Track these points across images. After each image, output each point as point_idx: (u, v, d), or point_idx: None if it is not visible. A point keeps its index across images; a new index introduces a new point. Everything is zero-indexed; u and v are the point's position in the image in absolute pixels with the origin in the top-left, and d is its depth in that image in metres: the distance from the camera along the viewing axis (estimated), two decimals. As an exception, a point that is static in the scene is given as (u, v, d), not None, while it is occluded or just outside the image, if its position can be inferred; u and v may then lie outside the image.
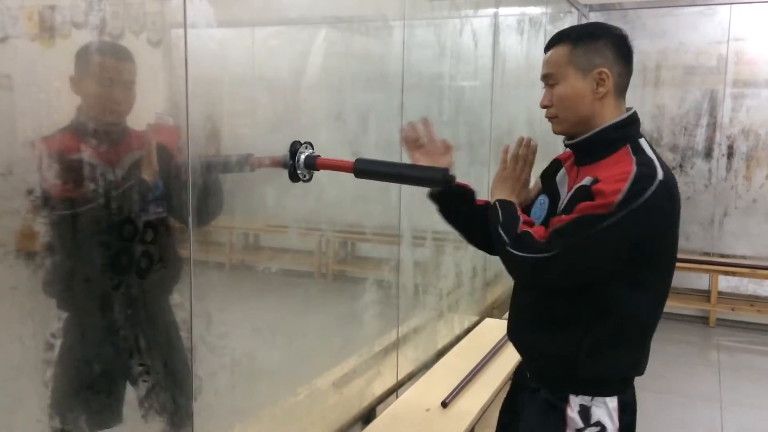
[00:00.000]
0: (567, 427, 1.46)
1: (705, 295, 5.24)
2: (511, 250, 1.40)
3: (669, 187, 1.34)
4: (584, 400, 1.45)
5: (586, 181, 1.41)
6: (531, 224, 1.47)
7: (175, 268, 1.45)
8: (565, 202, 1.48)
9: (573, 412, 1.46)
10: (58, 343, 1.22)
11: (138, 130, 1.36)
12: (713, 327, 5.13)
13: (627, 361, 1.47)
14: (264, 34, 1.77)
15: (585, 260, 1.36)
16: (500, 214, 1.48)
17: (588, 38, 1.43)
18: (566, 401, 1.47)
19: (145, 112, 1.38)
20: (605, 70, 1.41)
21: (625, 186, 1.30)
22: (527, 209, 1.59)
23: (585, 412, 1.45)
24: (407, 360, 2.67)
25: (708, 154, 5.23)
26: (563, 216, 1.39)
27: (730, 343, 4.85)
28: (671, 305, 5.09)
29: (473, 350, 2.96)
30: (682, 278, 5.21)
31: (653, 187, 1.30)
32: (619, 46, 1.43)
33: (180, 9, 1.39)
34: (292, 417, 1.93)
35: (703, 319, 5.21)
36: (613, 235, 1.31)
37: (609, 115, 1.44)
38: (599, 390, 1.46)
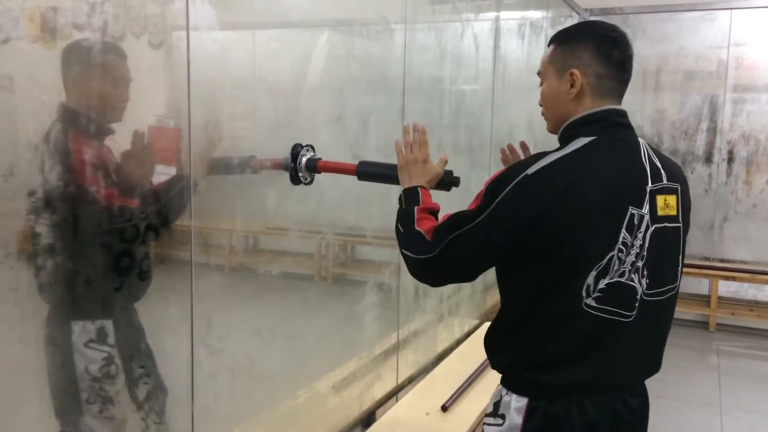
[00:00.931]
0: (485, 413, 1.51)
1: (705, 299, 5.24)
2: (402, 250, 1.45)
3: (535, 180, 1.29)
4: (502, 390, 1.47)
5: None
6: (434, 211, 1.49)
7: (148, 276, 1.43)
8: None
9: (492, 399, 1.49)
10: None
11: (138, 128, 1.36)
12: (713, 332, 5.13)
13: (528, 359, 1.40)
14: (265, 36, 1.77)
15: (461, 257, 1.37)
16: (402, 205, 1.52)
17: (567, 39, 1.44)
18: (498, 387, 1.50)
19: (146, 114, 1.38)
20: (575, 71, 1.39)
21: (493, 178, 1.34)
22: (440, 183, 1.63)
23: (498, 402, 1.47)
24: (407, 363, 2.66)
25: (708, 158, 5.24)
26: (446, 213, 1.42)
27: (730, 348, 4.84)
28: (671, 310, 5.11)
29: (473, 354, 2.96)
30: (682, 283, 5.19)
31: (514, 182, 1.30)
32: (602, 47, 1.40)
33: (182, 11, 1.39)
34: (292, 420, 1.93)
35: (703, 324, 5.21)
36: (482, 231, 1.33)
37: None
38: (509, 385, 1.46)
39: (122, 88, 1.31)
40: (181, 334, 1.48)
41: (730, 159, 5.18)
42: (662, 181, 1.40)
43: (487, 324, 3.55)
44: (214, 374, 1.58)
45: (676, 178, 1.43)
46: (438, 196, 1.60)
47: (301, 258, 2.05)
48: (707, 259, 5.24)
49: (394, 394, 2.53)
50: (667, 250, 1.42)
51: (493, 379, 2.72)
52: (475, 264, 1.41)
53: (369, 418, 2.34)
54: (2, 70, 1.09)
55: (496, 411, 1.46)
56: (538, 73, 1.50)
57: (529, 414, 1.40)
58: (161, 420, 1.44)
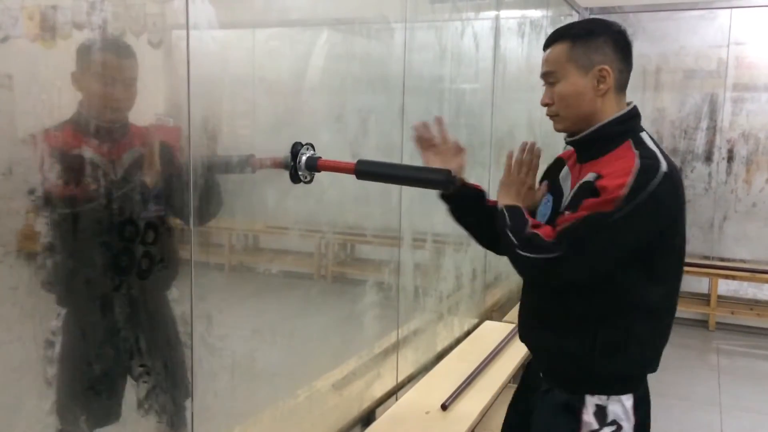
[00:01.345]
0: (581, 430, 1.46)
1: (705, 298, 5.24)
2: (521, 252, 1.41)
3: (673, 179, 1.34)
4: (600, 399, 1.45)
5: (590, 177, 1.41)
6: (538, 226, 1.46)
7: (175, 267, 1.45)
8: (569, 198, 1.48)
9: (588, 415, 1.45)
10: (58, 340, 1.21)
11: (139, 126, 1.36)
12: (713, 331, 5.13)
13: (643, 356, 1.47)
14: (265, 35, 1.77)
15: (594, 257, 1.36)
16: (507, 217, 1.48)
17: (587, 35, 1.43)
18: (582, 402, 1.46)
19: (145, 112, 1.38)
20: (606, 67, 1.41)
21: (629, 180, 1.30)
22: (534, 212, 1.58)
23: (601, 412, 1.45)
24: (407, 362, 2.66)
25: (708, 157, 5.24)
26: (569, 214, 1.39)
27: (730, 346, 4.84)
28: (671, 309, 5.11)
29: (473, 353, 2.96)
30: (681, 281, 5.20)
31: (657, 180, 1.30)
32: (618, 42, 1.43)
33: (182, 10, 1.39)
34: (292, 419, 1.93)
35: (703, 323, 5.21)
36: (621, 231, 1.32)
37: (610, 111, 1.44)
38: (615, 388, 1.45)
39: (132, 88, 1.33)
40: (181, 334, 1.48)
41: (730, 158, 5.18)
42: None
43: (489, 323, 3.54)
44: (214, 373, 1.58)
45: None
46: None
47: (300, 257, 2.05)
48: (707, 257, 5.24)
49: (394, 392, 2.53)
50: None
51: (492, 377, 2.72)
52: (602, 262, 1.38)
53: (369, 417, 2.34)
54: (1, 68, 1.08)
55: (604, 421, 1.45)
56: (547, 74, 1.48)
57: (636, 407, 1.46)
58: (161, 419, 1.44)
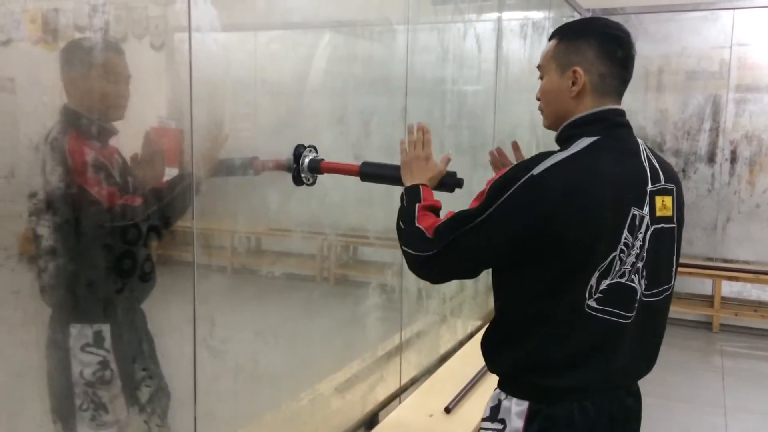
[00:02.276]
0: (482, 419, 1.49)
1: (708, 300, 5.22)
2: (405, 248, 1.42)
3: (541, 182, 1.27)
4: (501, 395, 1.45)
5: None
6: (435, 208, 1.48)
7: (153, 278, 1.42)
8: None
9: (489, 404, 1.47)
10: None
11: (134, 129, 1.35)
12: (716, 332, 5.11)
13: (530, 363, 1.38)
14: (268, 37, 1.76)
15: (463, 256, 1.36)
16: (402, 205, 1.51)
17: (573, 35, 1.42)
18: (494, 392, 1.49)
19: (147, 115, 1.38)
20: (578, 68, 1.37)
21: (497, 179, 1.32)
22: (443, 181, 1.61)
23: (497, 407, 1.45)
24: (410, 365, 2.66)
25: (711, 159, 5.23)
26: (450, 212, 1.40)
27: (734, 348, 4.83)
28: (674, 310, 5.08)
29: (476, 355, 2.93)
30: (684, 283, 5.20)
31: (519, 183, 1.28)
32: (605, 46, 1.38)
33: (184, 13, 1.39)
34: (295, 422, 1.92)
35: (707, 325, 5.19)
36: (484, 231, 1.31)
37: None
38: (510, 388, 1.44)
39: (122, 85, 1.30)
40: (184, 336, 1.48)
41: (733, 159, 5.16)
42: (660, 182, 1.40)
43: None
44: (217, 376, 1.58)
45: (672, 178, 1.44)
46: (440, 197, 1.59)
47: (303, 259, 2.05)
48: (710, 259, 5.23)
49: (397, 395, 2.52)
50: (663, 251, 1.42)
51: (496, 380, 2.71)
52: (476, 263, 1.39)
53: (372, 420, 2.33)
54: (4, 71, 1.08)
55: (494, 416, 1.45)
56: (539, 67, 1.48)
57: (531, 417, 1.39)
58: (163, 423, 1.43)
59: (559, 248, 1.31)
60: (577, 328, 1.35)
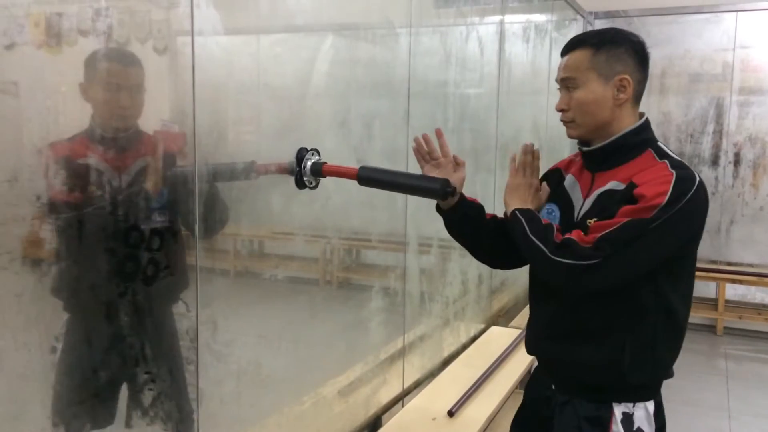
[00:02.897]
0: None
1: (712, 303, 5.21)
2: (554, 257, 1.37)
3: (704, 187, 1.38)
4: (627, 407, 1.46)
5: (613, 185, 1.43)
6: (559, 231, 1.45)
7: (182, 276, 1.45)
8: (588, 207, 1.47)
9: (616, 423, 1.45)
10: (59, 347, 1.21)
11: (148, 134, 1.37)
12: (720, 335, 5.10)
13: (667, 361, 1.49)
14: (270, 41, 1.77)
15: (633, 263, 1.36)
16: (524, 222, 1.46)
17: (610, 44, 1.44)
18: (610, 410, 1.46)
19: (151, 119, 1.38)
20: (627, 77, 1.42)
21: (669, 188, 1.33)
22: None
23: (628, 420, 1.46)
24: (413, 368, 2.65)
25: (714, 161, 5.22)
26: (603, 222, 1.38)
27: (738, 351, 4.81)
28: (678, 313, 5.09)
29: (479, 358, 2.95)
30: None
31: (694, 189, 1.34)
32: (639, 53, 1.45)
33: (186, 16, 1.39)
34: (298, 425, 1.92)
35: (711, 328, 5.18)
36: (660, 237, 1.34)
37: (626, 121, 1.46)
38: (640, 395, 1.47)
39: (140, 96, 1.34)
40: (187, 340, 1.48)
41: (737, 162, 5.15)
42: None
43: (496, 329, 3.52)
44: (220, 380, 1.58)
45: None
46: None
47: (306, 262, 2.05)
48: (714, 262, 5.22)
49: (400, 399, 2.52)
50: None
51: (499, 383, 2.71)
52: (645, 267, 1.39)
53: (375, 423, 2.33)
54: (7, 75, 1.09)
55: (630, 428, 1.46)
56: (565, 79, 1.47)
57: (656, 412, 1.49)
58: (167, 427, 1.43)
59: (695, 247, 1.47)
60: (687, 315, 1.50)
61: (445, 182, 1.54)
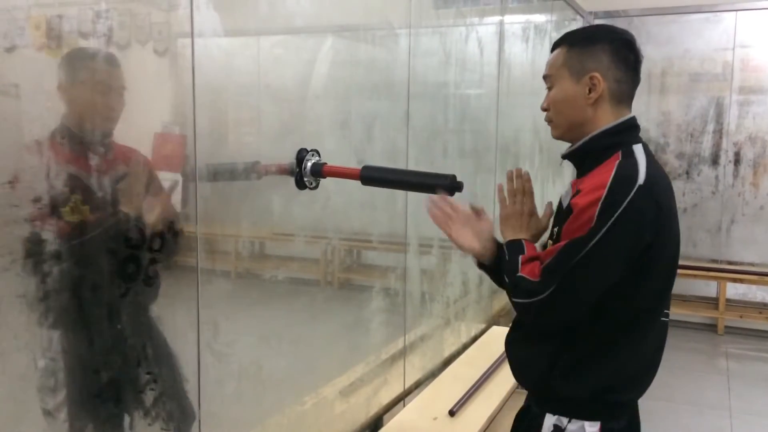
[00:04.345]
0: None
1: (713, 302, 5.21)
2: (513, 299, 1.34)
3: (652, 191, 1.25)
4: (560, 420, 1.37)
5: (569, 194, 1.36)
6: (537, 258, 1.36)
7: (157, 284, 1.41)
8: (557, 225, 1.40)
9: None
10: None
11: (122, 144, 1.31)
12: (721, 335, 5.09)
13: (613, 381, 1.35)
14: (270, 42, 1.77)
15: (584, 289, 1.27)
16: (506, 255, 1.40)
17: (585, 41, 1.38)
18: (541, 419, 1.40)
19: (152, 121, 1.39)
20: (597, 74, 1.34)
21: (603, 195, 1.22)
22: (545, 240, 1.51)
23: None
24: (414, 368, 2.66)
25: (714, 161, 5.22)
26: (552, 246, 1.32)
27: (739, 350, 4.81)
28: (679, 313, 5.10)
29: (480, 358, 2.95)
30: (689, 286, 5.18)
31: (633, 192, 1.22)
32: (619, 51, 1.36)
33: (187, 18, 1.40)
34: (299, 426, 1.92)
35: (711, 327, 5.17)
36: (604, 255, 1.23)
37: (603, 122, 1.37)
38: (578, 412, 1.37)
39: (115, 98, 1.28)
40: (188, 341, 1.48)
41: (737, 161, 5.15)
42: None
43: (497, 329, 3.52)
44: (221, 380, 1.58)
45: None
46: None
47: (307, 263, 2.05)
48: (715, 261, 5.22)
49: (401, 399, 2.52)
50: None
51: (500, 383, 2.71)
52: (594, 291, 1.28)
53: (376, 424, 2.33)
54: (8, 77, 1.09)
55: None
56: (545, 77, 1.44)
57: None
58: (168, 426, 1.44)
59: (656, 261, 1.28)
60: (654, 337, 1.37)
61: (453, 177, 1.54)
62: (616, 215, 1.21)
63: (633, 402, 1.42)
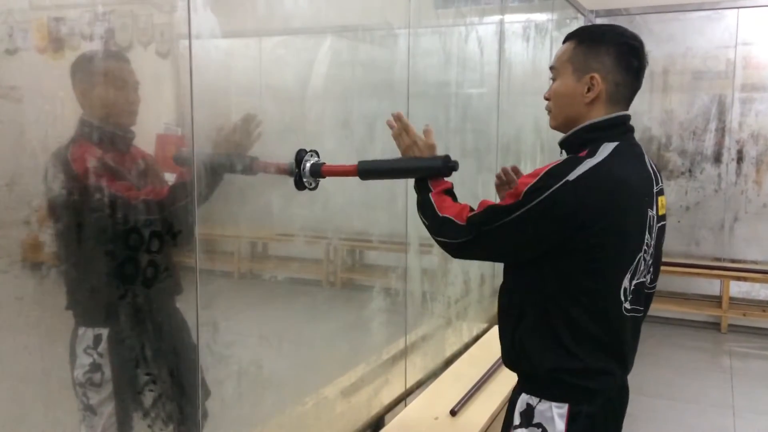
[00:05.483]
0: (510, 426, 1.48)
1: (716, 300, 5.19)
2: (435, 237, 1.48)
3: (577, 189, 1.29)
4: (531, 399, 1.44)
5: None
6: (449, 190, 1.52)
7: (177, 277, 1.46)
8: None
9: (517, 412, 1.46)
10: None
11: (140, 134, 1.38)
12: (725, 333, 5.08)
13: (569, 364, 1.39)
14: (270, 43, 1.77)
15: (497, 247, 1.42)
16: (417, 199, 1.55)
17: (592, 41, 1.42)
18: (517, 397, 1.48)
19: (153, 122, 1.39)
20: (597, 76, 1.39)
21: (533, 181, 1.32)
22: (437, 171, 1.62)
23: (528, 412, 1.44)
24: (415, 368, 2.66)
25: (717, 158, 5.20)
26: (484, 200, 1.44)
27: (743, 349, 4.80)
28: (682, 311, 5.10)
29: (482, 358, 2.95)
30: (692, 284, 5.18)
31: (558, 185, 1.29)
32: (623, 56, 1.39)
33: (184, 20, 1.40)
34: (300, 426, 1.93)
35: (715, 325, 5.16)
36: (518, 226, 1.34)
37: (593, 119, 1.42)
38: (546, 392, 1.42)
39: (131, 92, 1.34)
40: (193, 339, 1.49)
41: (740, 159, 5.14)
42: (660, 182, 1.48)
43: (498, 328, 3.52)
44: (221, 381, 1.58)
45: (661, 179, 1.52)
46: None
47: (308, 263, 2.05)
48: (718, 259, 5.21)
49: (402, 398, 2.52)
50: (660, 246, 1.52)
51: (502, 383, 2.71)
52: (513, 254, 1.45)
53: (377, 423, 2.34)
54: (10, 80, 1.09)
55: (528, 421, 1.44)
56: (551, 68, 1.49)
57: (572, 419, 1.40)
58: (167, 427, 1.44)
59: (594, 254, 1.34)
60: (616, 330, 1.41)
61: (446, 157, 1.58)
62: (536, 201, 1.31)
63: (603, 388, 1.43)
